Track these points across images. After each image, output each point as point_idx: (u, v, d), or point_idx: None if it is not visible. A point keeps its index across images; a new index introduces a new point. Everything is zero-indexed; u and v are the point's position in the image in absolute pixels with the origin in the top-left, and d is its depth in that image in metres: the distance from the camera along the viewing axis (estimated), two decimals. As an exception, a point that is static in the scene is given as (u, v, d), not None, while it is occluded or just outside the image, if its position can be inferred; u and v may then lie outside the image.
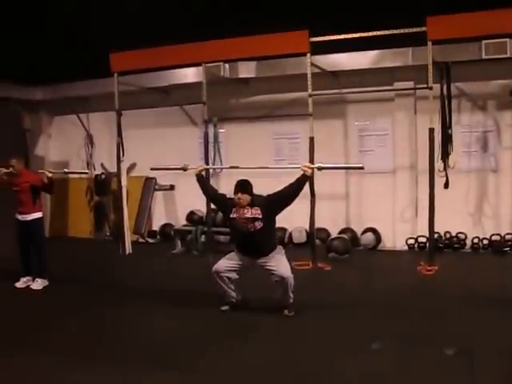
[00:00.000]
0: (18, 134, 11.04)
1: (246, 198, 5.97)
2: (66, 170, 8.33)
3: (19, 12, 11.05)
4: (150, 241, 11.09)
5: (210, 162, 9.27)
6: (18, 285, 7.85)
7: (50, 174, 7.82)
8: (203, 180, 6.62)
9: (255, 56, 9.06)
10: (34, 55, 11.24)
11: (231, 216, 6.09)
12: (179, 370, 4.79)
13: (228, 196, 6.29)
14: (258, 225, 5.96)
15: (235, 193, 6.00)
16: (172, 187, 11.17)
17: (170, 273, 8.51)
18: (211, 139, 9.63)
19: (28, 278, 7.90)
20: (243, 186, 6.02)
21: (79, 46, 11.07)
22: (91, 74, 10.60)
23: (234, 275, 6.16)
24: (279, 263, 6.02)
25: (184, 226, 10.29)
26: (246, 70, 9.68)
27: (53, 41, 11.34)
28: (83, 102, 11.90)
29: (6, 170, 7.79)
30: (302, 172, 6.02)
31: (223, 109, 10.03)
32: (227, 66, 9.53)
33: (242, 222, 6.00)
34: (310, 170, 6.06)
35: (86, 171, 8.98)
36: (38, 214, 7.81)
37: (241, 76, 9.78)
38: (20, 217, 7.73)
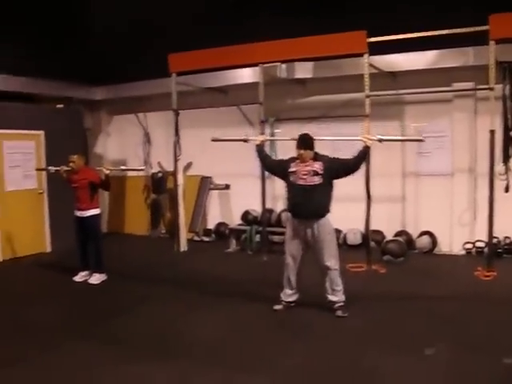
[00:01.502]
0: (79, 133, 11.33)
1: (308, 153, 6.00)
2: (122, 167, 8.51)
3: (80, 14, 11.35)
4: (205, 239, 11.20)
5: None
6: (76, 278, 8.07)
7: (107, 171, 7.99)
8: (263, 150, 6.62)
9: (312, 56, 9.04)
10: (95, 56, 11.52)
11: (290, 170, 6.08)
12: (231, 367, 4.86)
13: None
14: (317, 180, 5.94)
15: (297, 148, 6.03)
16: (227, 186, 11.25)
17: (224, 271, 8.57)
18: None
19: (86, 272, 8.11)
20: (306, 142, 6.05)
21: (138, 47, 11.29)
22: (150, 74, 10.77)
23: (294, 261, 6.21)
24: (328, 250, 6.04)
25: (239, 225, 10.35)
26: (303, 71, 9.66)
27: (113, 42, 11.60)
28: (142, 102, 12.12)
29: (66, 168, 8.03)
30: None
31: (279, 109, 10.05)
32: (284, 66, 9.55)
33: (301, 175, 5.99)
34: (370, 141, 6.05)
35: (142, 167, 9.15)
36: (96, 211, 7.99)
37: (297, 76, 9.77)
38: (78, 213, 7.93)
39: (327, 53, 8.59)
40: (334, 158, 6.11)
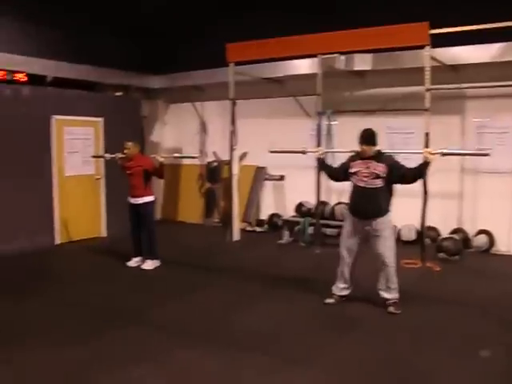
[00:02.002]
0: (137, 121, 11.50)
1: (370, 149, 5.90)
2: (176, 154, 8.55)
3: (140, 3, 11.49)
4: (258, 229, 11.21)
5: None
6: (130, 264, 8.21)
7: (161, 159, 8.06)
8: (324, 162, 6.53)
9: (371, 48, 8.89)
10: (153, 45, 11.67)
11: (351, 171, 6.02)
12: (281, 358, 4.86)
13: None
14: (379, 183, 5.87)
15: (360, 143, 5.94)
16: (282, 178, 11.22)
17: (276, 262, 8.58)
18: (324, 131, 9.58)
19: (139, 258, 8.23)
20: (369, 138, 5.94)
21: (197, 36, 11.37)
22: (207, 63, 10.82)
23: (350, 254, 6.16)
24: (386, 246, 5.97)
25: (292, 216, 10.32)
26: (362, 63, 9.50)
27: (171, 31, 11.73)
28: (198, 91, 12.20)
29: (121, 155, 8.15)
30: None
31: (337, 101, 9.93)
32: (343, 58, 9.42)
33: (363, 176, 5.92)
34: (431, 156, 5.84)
35: (196, 155, 9.17)
36: (150, 198, 8.07)
37: (356, 68, 9.62)
38: (132, 200, 8.04)
39: (387, 45, 8.42)
40: (396, 163, 5.97)
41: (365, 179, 5.92)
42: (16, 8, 9.72)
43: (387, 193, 5.99)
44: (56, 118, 9.81)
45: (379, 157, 5.94)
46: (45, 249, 9.41)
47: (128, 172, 8.04)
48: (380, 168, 5.86)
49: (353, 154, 6.17)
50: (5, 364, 4.75)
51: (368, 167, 5.91)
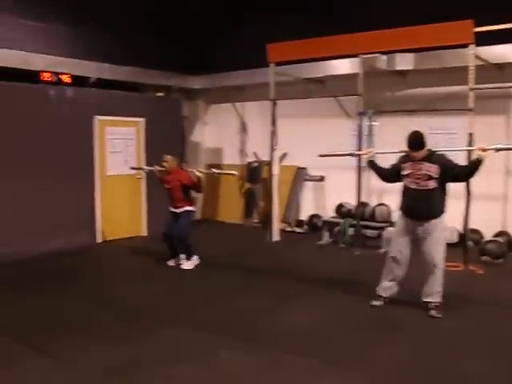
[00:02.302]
0: (177, 121, 11.59)
1: (419, 153, 5.80)
2: (214, 170, 8.54)
3: (180, 5, 11.60)
4: (297, 230, 11.17)
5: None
6: (170, 263, 8.27)
7: (199, 174, 8.08)
8: (374, 164, 6.40)
9: (413, 47, 8.77)
10: (193, 46, 11.75)
11: (403, 173, 5.93)
12: (321, 359, 4.83)
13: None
14: (432, 184, 5.77)
15: (409, 149, 5.84)
16: (322, 178, 11.16)
17: (315, 263, 8.53)
18: (365, 132, 9.48)
19: (177, 258, 8.28)
20: (417, 142, 5.81)
21: (236, 36, 11.40)
22: (248, 64, 10.83)
23: (400, 255, 6.05)
24: (436, 248, 5.86)
25: (332, 217, 10.25)
26: (404, 62, 9.36)
27: (211, 32, 11.79)
28: (239, 91, 12.22)
29: (159, 168, 8.21)
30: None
31: (378, 101, 9.82)
32: (384, 57, 9.31)
33: (415, 178, 5.84)
34: (484, 153, 5.69)
35: (234, 172, 9.08)
36: (190, 207, 8.12)
37: (398, 68, 9.49)
38: (172, 209, 8.12)
39: (430, 43, 8.29)
40: (449, 162, 5.83)
41: (417, 181, 5.83)
42: (60, 12, 9.96)
43: (441, 193, 5.89)
44: (98, 119, 9.96)
45: (431, 157, 5.82)
46: (86, 247, 9.56)
47: (167, 186, 8.11)
48: (433, 169, 5.76)
49: (403, 154, 6.08)
50: (46, 358, 4.85)
51: (420, 169, 5.81)
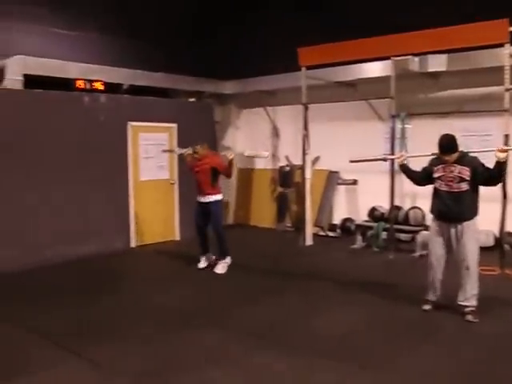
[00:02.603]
0: (210, 126, 11.65)
1: (451, 157, 5.75)
2: (247, 152, 8.52)
3: (209, 11, 11.69)
4: (330, 234, 11.11)
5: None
6: (200, 265, 8.36)
7: (231, 157, 8.08)
8: (407, 168, 6.33)
9: (446, 49, 8.66)
10: (225, 51, 11.81)
11: (435, 176, 5.90)
12: (355, 363, 4.81)
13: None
14: (464, 186, 5.72)
15: (441, 153, 5.80)
16: (355, 182, 11.09)
17: (349, 267, 8.48)
18: (398, 135, 9.40)
19: (207, 255, 8.34)
20: (449, 146, 5.75)
21: (268, 40, 11.43)
22: (279, 68, 10.84)
23: (437, 261, 6.00)
24: (470, 250, 5.80)
25: (365, 221, 10.18)
26: (436, 64, 9.24)
27: (243, 37, 11.83)
28: (270, 96, 12.23)
29: (189, 152, 8.23)
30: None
31: (410, 104, 9.73)
32: (416, 59, 9.21)
33: (447, 181, 5.80)
34: (502, 154, 5.59)
35: (267, 154, 9.08)
36: (218, 197, 8.10)
37: (430, 70, 9.38)
38: (200, 198, 8.09)
39: (464, 44, 8.16)
40: (480, 165, 5.76)
41: (450, 183, 5.79)
42: (93, 21, 10.19)
43: (473, 195, 5.82)
44: (132, 125, 10.08)
45: (463, 159, 5.77)
46: (121, 252, 9.68)
47: (196, 169, 8.12)
48: (464, 171, 5.71)
49: (434, 157, 6.03)
50: (82, 361, 4.92)
51: (452, 171, 5.77)
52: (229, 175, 8.27)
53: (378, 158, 6.82)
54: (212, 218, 8.09)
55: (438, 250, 6.01)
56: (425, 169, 6.14)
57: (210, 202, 8.05)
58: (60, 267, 8.49)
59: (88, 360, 4.94)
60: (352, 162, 6.97)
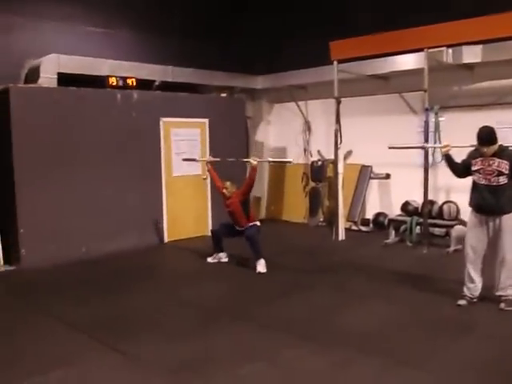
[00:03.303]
0: (241, 121, 11.65)
1: (490, 149, 5.69)
2: (269, 158, 8.52)
3: (242, 5, 11.70)
4: (363, 229, 11.04)
5: (430, 151, 8.94)
6: (209, 259, 8.53)
7: (254, 162, 8.07)
8: (450, 158, 6.20)
9: (482, 39, 8.51)
10: (256, 46, 11.82)
11: (473, 169, 5.85)
12: (389, 358, 4.76)
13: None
14: (502, 180, 5.68)
15: (480, 145, 5.75)
16: (388, 176, 10.98)
17: (382, 262, 8.40)
18: (431, 128, 9.28)
19: (220, 255, 8.51)
20: (488, 138, 5.71)
21: (299, 35, 11.40)
22: (310, 62, 10.79)
23: (474, 253, 5.94)
24: (507, 242, 5.74)
25: (398, 215, 10.07)
26: (471, 55, 9.08)
27: (273, 32, 11.82)
28: (302, 90, 12.19)
29: (210, 159, 8.46)
30: None
31: (444, 96, 9.59)
32: (450, 50, 9.07)
33: (485, 174, 5.75)
34: None
35: (290, 160, 9.06)
36: (254, 223, 8.17)
37: (465, 61, 9.22)
38: (236, 226, 8.24)
39: (500, 34, 8.01)
40: None
41: (488, 177, 5.74)
42: (124, 19, 10.41)
43: None
44: (164, 120, 10.14)
45: (502, 153, 5.72)
46: (154, 247, 9.77)
47: (227, 210, 8.23)
48: (503, 165, 5.67)
49: (473, 149, 5.96)
50: (117, 355, 4.97)
51: (490, 165, 5.73)
52: (252, 180, 8.11)
53: (417, 145, 6.75)
54: (248, 239, 8.00)
55: (474, 242, 5.95)
56: (463, 161, 6.08)
57: (246, 228, 8.10)
58: (94, 262, 8.60)
59: (122, 354, 4.99)
60: (390, 148, 6.98)
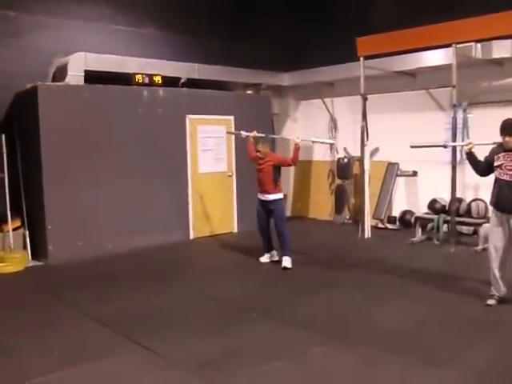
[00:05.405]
0: (267, 118, 11.62)
1: None
2: (313, 138, 8.52)
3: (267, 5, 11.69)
4: (389, 227, 10.95)
5: (458, 148, 8.82)
6: (262, 259, 8.31)
7: (297, 140, 8.03)
8: (473, 156, 6.11)
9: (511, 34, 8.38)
10: (282, 43, 11.81)
11: (495, 164, 5.76)
12: (416, 358, 4.70)
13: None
14: None
15: (502, 135, 5.68)
16: (415, 173, 10.87)
17: (409, 260, 8.32)
18: (459, 125, 9.16)
19: (271, 253, 8.30)
20: (510, 128, 5.64)
21: (324, 31, 11.34)
22: (337, 59, 10.72)
23: (497, 251, 5.85)
24: None
25: (425, 213, 9.97)
26: (501, 50, 8.93)
27: (299, 28, 11.79)
28: (328, 87, 12.13)
29: (257, 134, 8.28)
30: None
31: (472, 92, 9.46)
32: (479, 46, 8.93)
33: (506, 170, 5.66)
34: None
35: (332, 141, 9.08)
36: (279, 195, 8.09)
37: (494, 57, 9.08)
38: (262, 196, 8.11)
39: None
40: None
41: (509, 172, 5.65)
42: (151, 17, 10.54)
43: None
44: (190, 118, 10.17)
45: None
46: (180, 243, 9.80)
47: (258, 168, 8.14)
48: None
49: (495, 146, 5.87)
50: (142, 350, 5.00)
51: None
52: (295, 160, 8.11)
53: (439, 144, 6.67)
54: (274, 217, 8.08)
55: (497, 241, 5.85)
56: (486, 158, 5.99)
57: (272, 201, 8.04)
58: (120, 259, 8.67)
59: (147, 349, 5.01)
60: (412, 147, 6.93)
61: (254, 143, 8.29)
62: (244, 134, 8.54)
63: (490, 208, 6.14)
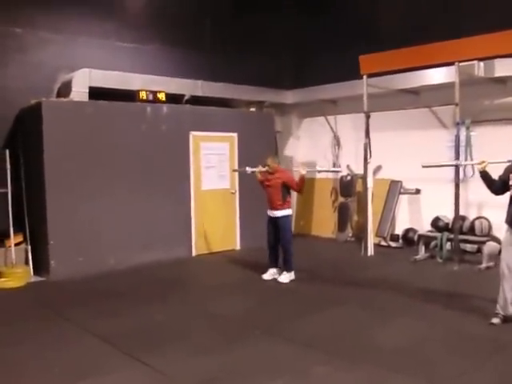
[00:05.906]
0: (270, 135, 11.64)
1: None
2: (318, 167, 8.48)
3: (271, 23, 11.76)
4: (392, 244, 10.91)
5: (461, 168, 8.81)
6: (265, 276, 8.27)
7: (303, 172, 8.07)
8: (488, 175, 6.04)
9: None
10: (285, 61, 11.87)
11: (511, 183, 5.72)
12: (420, 377, 4.65)
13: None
14: None
15: None
16: (418, 191, 10.85)
17: (412, 278, 8.28)
18: (462, 143, 9.16)
19: (275, 270, 8.28)
20: None
21: (327, 50, 11.40)
22: (339, 77, 10.76)
23: (509, 271, 5.78)
24: None
25: (428, 231, 9.93)
26: (504, 68, 8.95)
27: (302, 47, 11.85)
28: (331, 105, 12.16)
29: (263, 169, 8.27)
30: None
31: (475, 110, 9.46)
32: (482, 64, 8.95)
33: None
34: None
35: (339, 169, 9.02)
36: (287, 212, 8.10)
37: (497, 75, 9.10)
38: (270, 213, 8.12)
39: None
40: None
41: None
42: (155, 34, 10.61)
43: None
44: (193, 134, 10.19)
45: None
46: (182, 260, 9.77)
47: (267, 184, 8.15)
48: None
49: (510, 164, 5.86)
50: (142, 367, 4.96)
51: None
52: (301, 191, 8.33)
53: (452, 163, 6.62)
54: (281, 234, 8.10)
55: (510, 260, 5.79)
56: (500, 177, 5.95)
57: (279, 218, 8.06)
58: (123, 274, 8.65)
59: (148, 366, 4.97)
60: (424, 167, 6.81)
61: (261, 174, 8.34)
62: (249, 170, 8.62)
63: (498, 226, 6.09)
